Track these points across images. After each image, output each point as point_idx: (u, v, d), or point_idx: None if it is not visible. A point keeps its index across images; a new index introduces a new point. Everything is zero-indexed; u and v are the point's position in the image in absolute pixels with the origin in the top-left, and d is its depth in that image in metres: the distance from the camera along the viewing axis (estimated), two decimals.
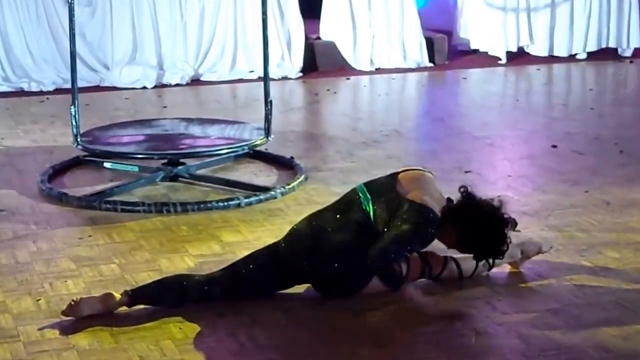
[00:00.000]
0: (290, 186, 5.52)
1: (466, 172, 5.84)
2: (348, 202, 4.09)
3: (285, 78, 8.98)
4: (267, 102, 5.94)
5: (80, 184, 5.69)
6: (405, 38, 9.50)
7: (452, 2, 10.10)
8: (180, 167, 5.76)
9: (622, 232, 4.83)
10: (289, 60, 9.15)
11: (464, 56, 9.86)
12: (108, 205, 5.22)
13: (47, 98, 8.15)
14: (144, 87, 8.61)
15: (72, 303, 3.85)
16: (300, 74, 9.10)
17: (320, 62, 9.36)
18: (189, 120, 6.48)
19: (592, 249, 4.59)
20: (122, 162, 5.87)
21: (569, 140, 6.65)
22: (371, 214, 4.00)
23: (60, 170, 5.95)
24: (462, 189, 4.08)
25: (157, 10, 8.89)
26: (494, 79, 9.21)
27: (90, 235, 4.84)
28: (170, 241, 4.77)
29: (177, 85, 8.72)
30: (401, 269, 3.88)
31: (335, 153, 6.40)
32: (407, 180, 4.08)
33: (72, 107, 5.68)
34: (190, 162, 5.84)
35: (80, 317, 3.83)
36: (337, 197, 4.22)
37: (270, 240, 4.33)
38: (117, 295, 3.90)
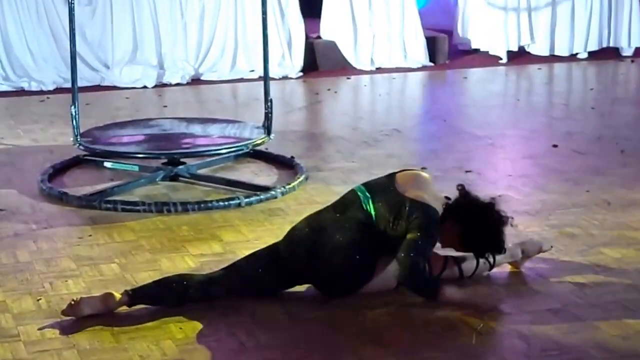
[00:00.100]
0: (290, 186, 5.52)
1: (467, 171, 5.84)
2: (347, 202, 4.10)
3: (285, 77, 8.98)
4: (267, 101, 5.94)
5: (80, 184, 5.68)
6: (406, 37, 9.49)
7: (453, 2, 10.09)
8: (180, 167, 5.75)
9: (623, 232, 4.82)
10: (289, 60, 9.14)
11: (464, 55, 9.85)
12: (108, 205, 5.22)
13: (48, 97, 8.15)
14: (145, 87, 8.61)
15: (72, 303, 3.85)
16: (301, 74, 9.09)
17: (321, 61, 9.35)
18: (190, 120, 6.47)
19: (593, 248, 4.59)
20: (122, 161, 5.87)
21: (570, 140, 6.65)
22: (373, 212, 4.01)
23: (60, 169, 5.94)
24: (459, 187, 4.13)
25: (157, 9, 8.89)
26: (494, 79, 9.20)
27: (90, 235, 4.83)
28: (170, 241, 4.76)
29: (177, 84, 8.72)
30: (431, 275, 3.99)
31: (336, 152, 6.40)
32: (404, 180, 4.10)
33: (73, 107, 5.68)
34: (190, 161, 5.83)
35: (81, 317, 3.83)
36: (338, 197, 4.22)
37: (271, 239, 4.33)
38: (117, 295, 3.89)
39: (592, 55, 9.96)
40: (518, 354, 3.59)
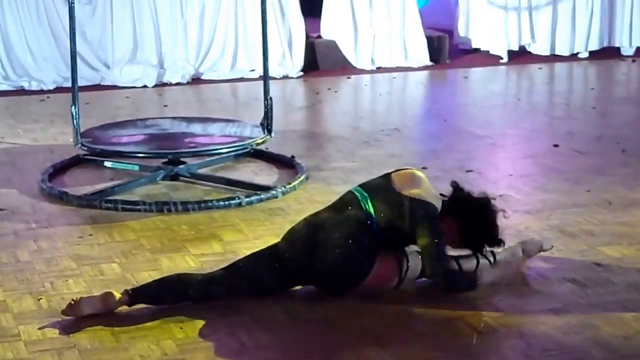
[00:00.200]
0: (291, 185, 5.52)
1: (467, 171, 5.83)
2: (346, 202, 4.12)
3: (286, 77, 8.97)
4: (267, 100, 5.94)
5: (80, 183, 5.68)
6: (407, 37, 9.48)
7: (454, 1, 10.08)
8: (181, 166, 5.75)
9: (624, 232, 4.82)
10: (289, 59, 9.13)
11: (465, 55, 9.84)
12: (109, 204, 5.21)
13: (48, 97, 8.14)
14: (145, 86, 8.60)
15: (73, 302, 3.85)
16: (301, 73, 9.09)
17: (321, 61, 9.34)
18: (190, 119, 6.47)
19: (593, 248, 4.59)
20: (122, 161, 5.86)
21: (571, 140, 6.64)
22: (372, 212, 4.02)
23: (60, 169, 5.94)
24: (453, 183, 4.19)
25: (157, 8, 8.88)
26: (495, 78, 9.20)
27: (90, 235, 4.83)
28: (171, 240, 4.76)
29: (177, 84, 8.71)
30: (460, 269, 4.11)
31: (336, 152, 6.40)
32: (401, 179, 4.12)
33: (73, 107, 5.67)
34: (191, 161, 5.83)
35: (81, 317, 3.83)
36: (338, 196, 4.22)
37: (272, 239, 4.33)
38: (118, 295, 3.89)
39: (593, 55, 9.94)
40: (518, 354, 3.58)
